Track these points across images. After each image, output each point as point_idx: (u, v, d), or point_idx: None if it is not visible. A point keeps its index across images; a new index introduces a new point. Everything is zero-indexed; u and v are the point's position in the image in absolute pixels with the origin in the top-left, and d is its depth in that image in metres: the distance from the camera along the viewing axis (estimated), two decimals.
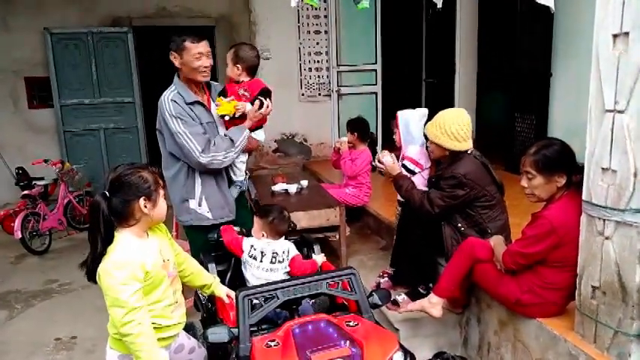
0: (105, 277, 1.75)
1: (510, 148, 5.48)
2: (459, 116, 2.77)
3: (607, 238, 1.92)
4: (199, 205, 2.72)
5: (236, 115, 2.70)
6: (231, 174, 2.86)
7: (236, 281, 2.58)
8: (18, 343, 3.40)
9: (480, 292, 2.73)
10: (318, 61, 6.81)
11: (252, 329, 1.95)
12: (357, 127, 4.44)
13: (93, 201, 1.84)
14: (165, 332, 1.94)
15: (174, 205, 2.76)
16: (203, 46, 2.61)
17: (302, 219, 3.60)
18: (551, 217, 2.18)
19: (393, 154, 3.07)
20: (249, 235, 2.62)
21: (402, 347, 1.85)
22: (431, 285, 2.78)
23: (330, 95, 6.88)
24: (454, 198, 2.70)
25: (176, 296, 2.00)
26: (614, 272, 1.91)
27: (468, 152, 2.79)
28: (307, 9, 6.56)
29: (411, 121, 3.13)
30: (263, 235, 2.52)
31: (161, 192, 1.91)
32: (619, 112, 1.81)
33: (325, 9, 6.64)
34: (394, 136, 3.30)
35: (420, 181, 3.09)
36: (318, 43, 6.76)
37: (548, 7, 2.51)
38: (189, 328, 2.25)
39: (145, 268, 1.80)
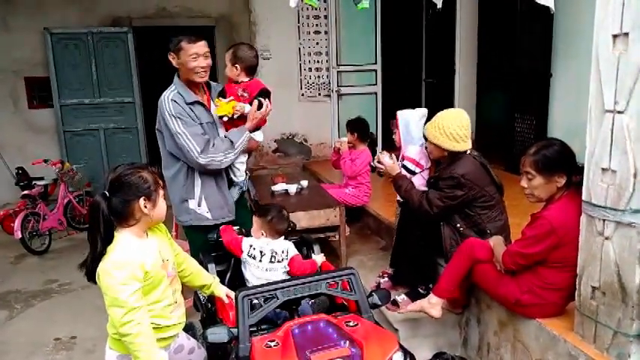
0: (104, 277, 1.75)
1: (510, 148, 5.48)
2: (458, 117, 2.77)
3: (607, 239, 1.92)
4: (199, 205, 2.72)
5: (234, 116, 2.70)
6: (232, 175, 2.85)
7: (236, 281, 2.58)
8: (18, 343, 3.40)
9: (480, 293, 2.73)
10: (318, 61, 6.81)
11: (251, 329, 1.95)
12: (357, 127, 4.45)
13: (93, 201, 1.84)
14: (164, 332, 1.94)
15: (173, 205, 2.76)
16: (199, 47, 2.59)
17: (302, 219, 3.60)
18: (551, 217, 2.18)
19: (392, 155, 3.06)
20: (248, 235, 2.62)
21: (401, 347, 1.85)
22: (430, 285, 2.78)
23: (330, 95, 6.88)
24: (453, 198, 2.70)
25: (175, 296, 2.00)
26: (614, 273, 1.91)
27: (467, 153, 2.79)
28: (307, 9, 6.56)
29: (410, 121, 3.13)
30: (262, 235, 2.52)
31: (161, 192, 1.91)
32: (619, 112, 1.81)
33: (325, 9, 6.64)
34: (394, 136, 3.30)
35: (420, 182, 3.09)
36: (318, 43, 6.76)
37: (548, 8, 2.52)
38: (188, 328, 2.26)
39: (144, 268, 1.80)
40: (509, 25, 5.54)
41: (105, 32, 6.42)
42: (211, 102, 2.78)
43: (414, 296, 2.90)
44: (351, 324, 1.93)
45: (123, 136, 6.74)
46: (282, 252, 2.50)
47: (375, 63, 6.89)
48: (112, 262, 1.76)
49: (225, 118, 2.70)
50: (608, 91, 1.85)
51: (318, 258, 2.59)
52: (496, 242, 2.49)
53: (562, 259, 2.19)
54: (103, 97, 6.54)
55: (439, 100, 6.81)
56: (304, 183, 4.35)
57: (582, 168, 2.04)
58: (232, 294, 2.19)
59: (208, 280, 2.28)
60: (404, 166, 3.13)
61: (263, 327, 2.09)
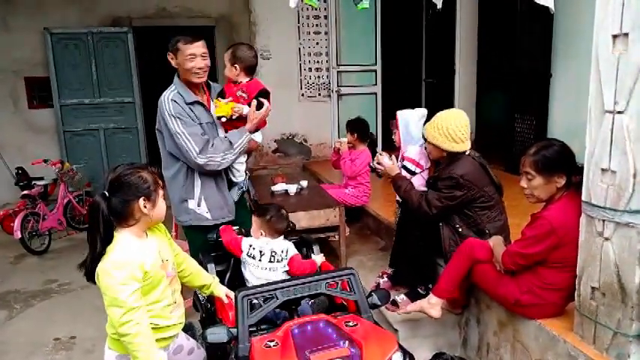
0: (103, 277, 1.75)
1: (510, 148, 5.48)
2: (457, 117, 2.77)
3: (606, 239, 1.92)
4: (198, 205, 2.72)
5: (233, 117, 2.70)
6: (231, 176, 2.85)
7: (235, 281, 2.58)
8: (17, 343, 3.40)
9: (480, 293, 2.73)
10: (318, 62, 6.81)
11: (251, 329, 1.95)
12: (357, 127, 4.45)
13: (92, 201, 1.84)
14: (163, 333, 1.94)
15: (173, 206, 2.76)
16: (196, 48, 2.58)
17: (302, 219, 3.60)
18: (551, 217, 2.18)
19: (392, 156, 3.06)
20: (248, 235, 2.62)
21: (401, 348, 1.85)
22: (430, 285, 2.78)
23: (330, 95, 6.88)
24: (451, 199, 2.70)
25: (175, 296, 2.00)
26: (614, 273, 1.91)
27: (466, 153, 2.78)
28: (307, 9, 6.56)
29: (410, 121, 3.13)
30: (261, 234, 2.52)
31: (160, 192, 1.91)
32: (619, 112, 1.81)
33: (325, 9, 6.64)
34: (393, 137, 3.30)
35: (419, 182, 3.09)
36: (318, 44, 6.77)
37: (547, 8, 2.52)
38: (187, 329, 2.25)
39: (143, 268, 1.80)
40: (509, 25, 5.54)
41: (105, 32, 6.42)
42: (211, 102, 2.78)
43: (413, 296, 2.90)
44: (350, 324, 1.93)
45: (123, 136, 6.74)
46: (282, 251, 2.50)
47: (375, 63, 6.89)
48: (111, 262, 1.76)
49: (224, 119, 2.70)
50: (607, 91, 1.85)
51: (318, 258, 2.59)
52: (496, 242, 2.49)
53: (562, 259, 2.19)
54: (103, 97, 6.55)
55: (439, 100, 6.82)
56: (304, 183, 4.35)
57: (582, 168, 2.04)
58: (232, 294, 2.19)
59: (208, 280, 2.27)
60: (404, 167, 3.13)
61: (262, 327, 2.09)
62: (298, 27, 6.66)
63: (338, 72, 6.80)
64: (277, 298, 1.97)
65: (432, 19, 7.15)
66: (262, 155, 6.80)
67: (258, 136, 2.89)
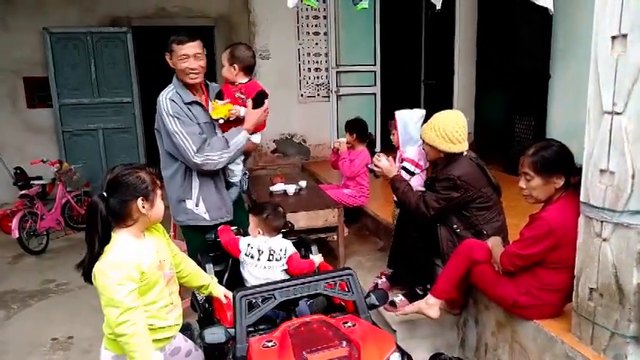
0: (100, 277, 1.74)
1: (509, 149, 5.48)
2: (455, 118, 2.77)
3: (604, 240, 1.92)
4: (196, 205, 2.72)
5: (230, 119, 2.69)
6: (226, 176, 2.85)
7: (233, 281, 2.58)
8: (15, 343, 3.39)
9: (478, 294, 2.73)
10: (317, 62, 6.81)
11: (249, 330, 1.95)
12: (356, 127, 4.45)
13: (91, 202, 1.83)
14: (160, 334, 1.93)
15: (171, 205, 2.75)
16: (189, 48, 2.56)
17: (300, 219, 3.60)
18: (549, 218, 2.18)
19: (389, 157, 3.06)
20: (246, 235, 2.62)
21: (399, 348, 1.85)
22: (428, 286, 2.78)
23: (329, 96, 6.88)
24: (449, 200, 2.70)
25: (172, 297, 1.99)
26: (612, 274, 1.91)
27: (464, 154, 2.78)
28: (306, 10, 6.57)
29: (409, 121, 3.13)
30: (259, 233, 2.52)
31: (158, 192, 1.91)
32: (617, 113, 1.81)
33: (324, 10, 6.64)
34: (392, 137, 3.30)
35: (418, 182, 3.09)
36: (317, 44, 6.77)
37: (547, 9, 2.52)
38: (185, 329, 2.25)
39: (140, 268, 1.79)
40: (508, 26, 5.55)
41: (104, 32, 6.41)
42: (209, 102, 2.77)
43: (411, 297, 2.90)
44: (348, 324, 1.93)
45: (121, 136, 6.72)
46: (281, 250, 2.50)
47: (375, 64, 6.90)
48: (108, 263, 1.76)
49: (221, 121, 2.69)
50: (606, 92, 1.85)
51: (316, 258, 2.59)
52: (494, 243, 2.50)
53: (560, 260, 2.19)
54: (102, 97, 6.53)
55: (438, 100, 6.81)
56: (303, 183, 4.35)
57: (580, 169, 2.04)
58: (230, 294, 2.19)
59: (206, 281, 2.27)
60: (403, 168, 3.13)
61: (261, 327, 2.09)
62: (297, 27, 6.66)
63: (337, 72, 6.80)
64: (275, 299, 1.97)
65: (431, 19, 7.16)
66: (261, 155, 6.80)
67: (256, 138, 2.89)
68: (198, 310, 2.66)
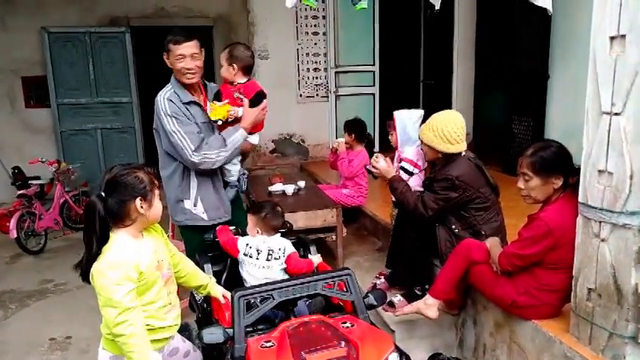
0: (98, 277, 1.74)
1: (507, 149, 5.49)
2: (452, 119, 2.77)
3: (603, 240, 1.92)
4: (194, 205, 2.71)
5: (229, 120, 2.69)
6: (223, 176, 2.84)
7: (232, 281, 2.57)
8: (13, 343, 3.39)
9: (476, 294, 2.73)
10: (316, 62, 6.81)
11: (247, 330, 1.94)
12: (355, 128, 4.45)
13: (89, 202, 1.83)
14: (158, 334, 1.93)
15: (169, 205, 2.75)
16: (185, 48, 2.54)
17: (299, 220, 3.60)
18: (548, 218, 2.18)
19: (387, 158, 3.06)
20: (245, 234, 2.61)
21: (397, 348, 1.85)
22: (427, 286, 2.78)
23: (327, 96, 6.88)
24: (447, 200, 2.70)
25: (170, 297, 1.99)
26: (610, 274, 1.91)
27: (462, 154, 2.78)
28: (305, 10, 6.56)
29: (407, 122, 3.13)
30: (258, 232, 2.52)
31: (156, 192, 1.91)
32: (615, 114, 1.81)
33: (323, 10, 6.64)
34: (390, 137, 3.30)
35: (416, 182, 3.09)
36: (316, 44, 6.77)
37: (545, 9, 2.52)
38: (184, 329, 2.25)
39: (139, 268, 1.79)
40: (507, 26, 5.56)
41: (102, 32, 6.40)
42: (207, 102, 2.77)
43: (410, 297, 2.90)
44: (346, 325, 1.93)
45: (120, 136, 6.71)
46: (279, 249, 2.49)
47: (373, 64, 6.90)
48: (106, 263, 1.75)
49: (220, 122, 2.69)
50: (605, 92, 1.85)
51: (315, 258, 2.59)
52: (492, 243, 2.50)
53: (558, 260, 2.19)
54: (101, 97, 6.52)
55: (437, 101, 6.82)
56: (301, 183, 4.35)
57: (579, 169, 2.04)
58: (228, 294, 2.18)
59: (204, 281, 2.27)
60: (402, 168, 3.13)
61: (260, 327, 2.08)
62: (296, 27, 6.66)
63: (336, 72, 6.80)
64: (274, 299, 1.97)
65: (430, 19, 7.16)
66: (260, 155, 6.80)
67: (254, 139, 2.88)
68: (196, 310, 2.66)
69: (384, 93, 7.02)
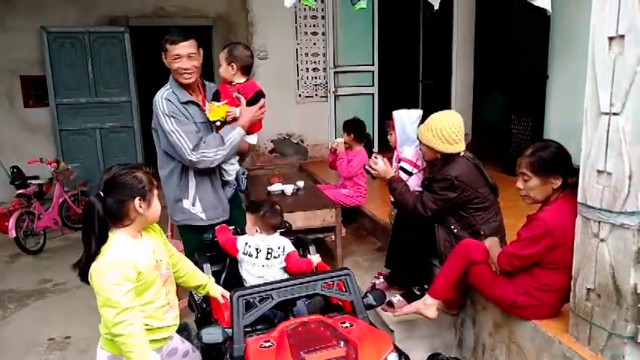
0: (97, 277, 1.74)
1: (506, 149, 5.49)
2: (451, 119, 2.77)
3: (602, 241, 1.93)
4: (193, 205, 2.71)
5: (227, 120, 2.69)
6: (221, 175, 2.84)
7: (231, 281, 2.57)
8: (12, 343, 3.38)
9: (475, 294, 2.73)
10: (315, 62, 6.81)
11: (246, 330, 1.94)
12: (354, 128, 4.45)
13: (88, 202, 1.83)
14: (157, 334, 1.92)
15: (168, 205, 2.75)
16: (181, 48, 2.53)
17: (298, 219, 3.60)
18: (547, 218, 2.19)
19: (385, 159, 3.05)
20: (244, 234, 2.61)
21: (396, 348, 1.85)
22: (426, 286, 2.78)
23: (327, 96, 6.88)
24: (446, 200, 2.70)
25: (169, 297, 1.98)
26: (609, 274, 1.91)
27: (461, 155, 2.79)
28: (304, 10, 6.57)
29: (406, 122, 3.13)
30: (257, 231, 2.51)
31: (155, 192, 1.91)
32: (614, 114, 1.82)
33: (322, 10, 6.64)
34: (389, 137, 3.30)
35: (416, 182, 3.09)
36: (315, 44, 6.77)
37: (544, 9, 2.52)
38: (182, 329, 2.24)
39: (137, 268, 1.79)
40: (506, 26, 5.56)
41: (102, 31, 6.39)
42: (206, 102, 2.76)
43: (409, 297, 2.90)
44: (345, 325, 1.92)
45: (119, 135, 6.70)
46: (279, 248, 2.49)
47: (372, 64, 6.90)
48: (104, 263, 1.75)
49: (218, 123, 2.69)
50: (603, 93, 1.85)
51: (314, 258, 2.58)
52: (492, 243, 2.50)
53: (557, 260, 2.19)
54: (100, 97, 6.51)
55: (436, 101, 6.82)
56: (300, 183, 4.35)
57: (578, 170, 2.04)
58: (227, 294, 2.18)
59: (203, 281, 2.27)
60: (401, 168, 3.13)
61: (259, 327, 2.08)
62: (296, 27, 6.66)
63: (335, 72, 6.81)
64: (273, 299, 1.97)
65: (429, 19, 7.16)
66: (259, 155, 6.80)
67: (253, 139, 2.88)
68: (195, 310, 2.65)
69: (383, 93, 7.03)
